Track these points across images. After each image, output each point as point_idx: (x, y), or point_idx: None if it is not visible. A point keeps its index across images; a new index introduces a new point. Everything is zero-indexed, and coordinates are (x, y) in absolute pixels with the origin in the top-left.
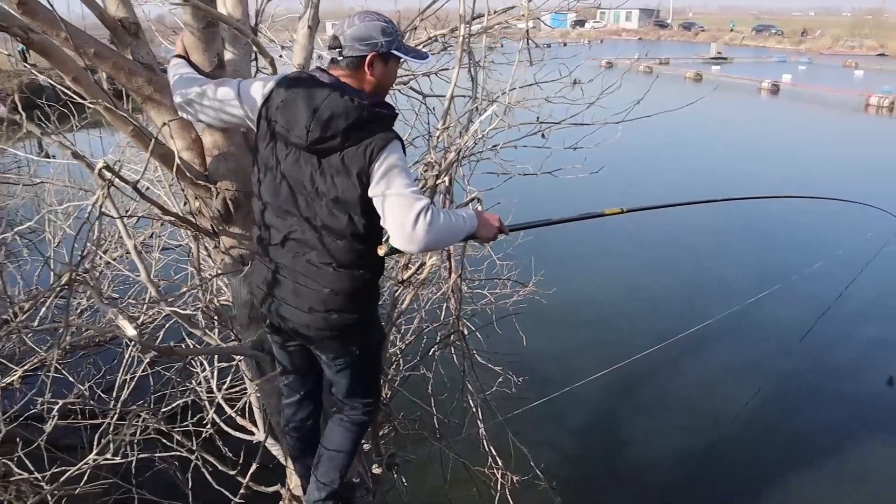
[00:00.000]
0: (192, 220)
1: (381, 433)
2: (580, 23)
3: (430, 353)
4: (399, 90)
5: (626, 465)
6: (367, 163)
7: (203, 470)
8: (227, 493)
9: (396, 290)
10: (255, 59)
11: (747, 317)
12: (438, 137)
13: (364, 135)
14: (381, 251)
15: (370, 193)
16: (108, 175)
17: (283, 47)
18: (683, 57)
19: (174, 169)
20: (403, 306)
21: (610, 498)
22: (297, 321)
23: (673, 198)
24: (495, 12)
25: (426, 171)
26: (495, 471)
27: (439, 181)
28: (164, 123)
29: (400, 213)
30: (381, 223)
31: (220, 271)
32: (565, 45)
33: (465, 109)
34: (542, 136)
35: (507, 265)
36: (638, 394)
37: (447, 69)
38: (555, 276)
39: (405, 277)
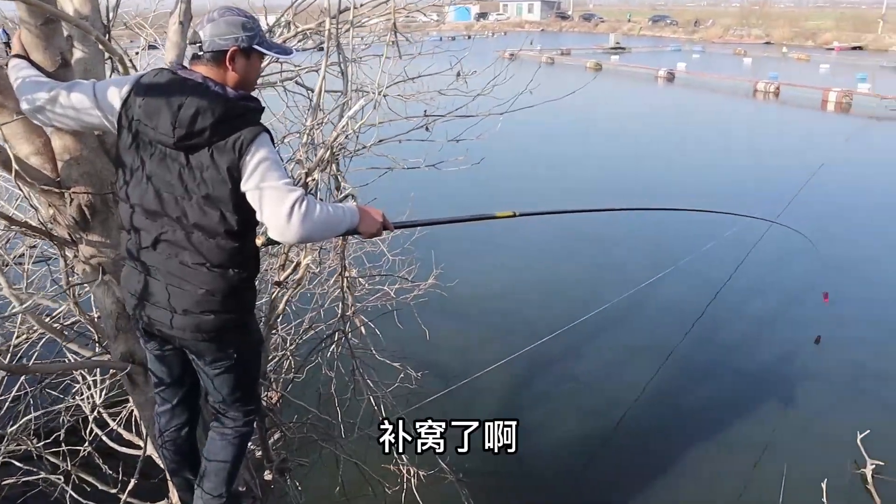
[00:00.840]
0: (46, 228)
1: (270, 439)
2: (483, 15)
3: (326, 353)
4: (285, 86)
5: (530, 450)
6: (237, 157)
7: (85, 488)
8: None
9: (273, 293)
10: (111, 58)
11: (644, 300)
12: (308, 134)
13: (231, 129)
14: (259, 242)
15: (243, 188)
16: None
17: (151, 46)
18: (584, 47)
19: (13, 175)
20: (280, 308)
21: (515, 484)
22: (172, 324)
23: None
24: (361, 5)
25: (299, 168)
26: (400, 467)
27: (309, 178)
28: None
29: (274, 205)
30: (257, 217)
31: (81, 281)
32: (469, 37)
33: (336, 105)
34: (427, 129)
35: (406, 260)
36: (541, 380)
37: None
38: (455, 269)
39: (281, 279)
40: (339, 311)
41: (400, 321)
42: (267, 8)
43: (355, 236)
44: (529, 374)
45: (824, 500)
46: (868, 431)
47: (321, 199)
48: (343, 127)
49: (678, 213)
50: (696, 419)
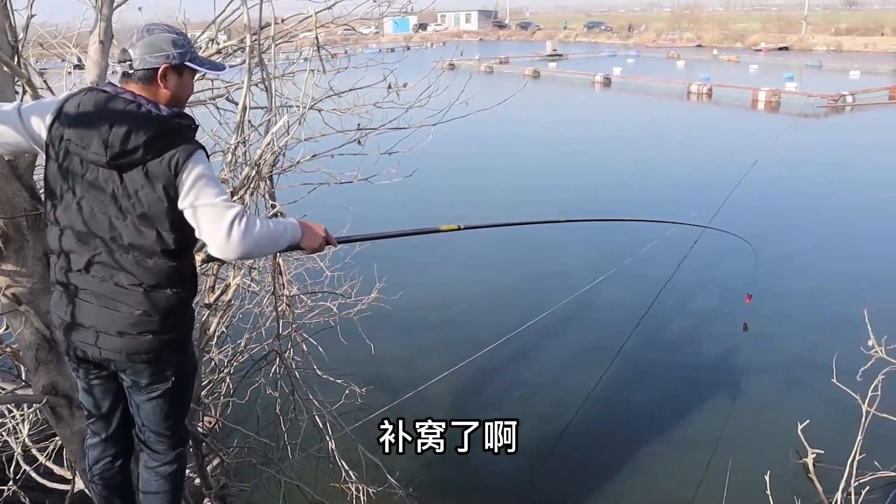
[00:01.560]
0: None
1: (209, 465)
2: (422, 26)
3: (267, 374)
4: (216, 103)
5: (480, 458)
6: (173, 175)
7: None
8: None
9: (204, 316)
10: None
11: (587, 303)
12: (233, 153)
13: (166, 147)
14: (199, 258)
15: (180, 206)
16: None
17: (76, 66)
18: (522, 55)
19: None
20: (211, 331)
21: (467, 494)
22: (106, 347)
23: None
24: (283, 21)
25: (226, 188)
26: (349, 485)
27: (235, 197)
28: None
29: (213, 222)
30: (196, 234)
31: None
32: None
33: (261, 121)
34: (359, 142)
35: (349, 275)
36: (489, 387)
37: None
38: (399, 282)
39: (211, 301)
40: (276, 331)
41: (344, 337)
42: (188, 24)
43: (297, 252)
44: (478, 382)
45: (768, 492)
46: (808, 422)
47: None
48: (268, 144)
49: (619, 212)
50: (643, 418)
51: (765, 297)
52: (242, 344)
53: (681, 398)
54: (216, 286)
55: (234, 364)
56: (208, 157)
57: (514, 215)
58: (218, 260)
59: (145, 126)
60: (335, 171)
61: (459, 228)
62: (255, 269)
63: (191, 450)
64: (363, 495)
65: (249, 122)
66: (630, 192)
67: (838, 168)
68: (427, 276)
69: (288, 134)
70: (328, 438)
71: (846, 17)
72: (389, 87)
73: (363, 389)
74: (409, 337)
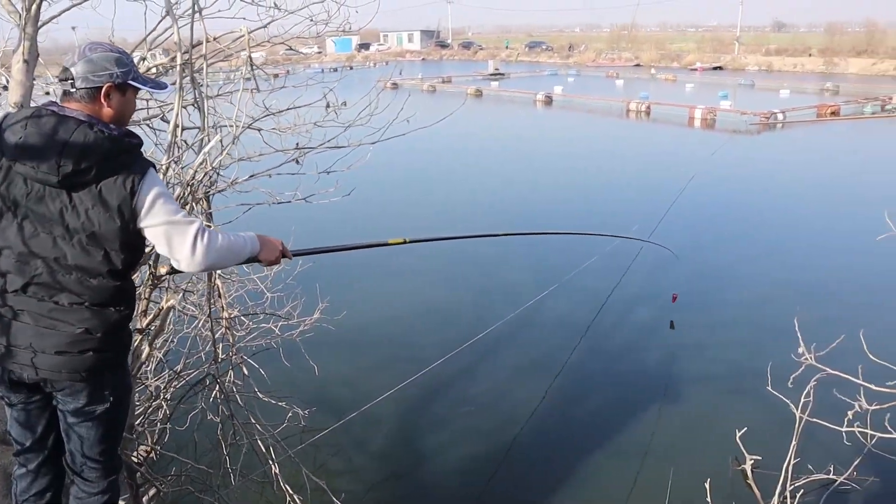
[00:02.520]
0: None
1: (144, 496)
2: (365, 46)
3: (206, 399)
4: (151, 123)
5: (428, 477)
6: (129, 195)
7: None
8: None
9: (136, 341)
10: None
11: (532, 318)
12: (164, 173)
13: (119, 166)
14: (163, 270)
15: (140, 224)
16: None
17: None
18: (465, 74)
19: None
20: (144, 356)
21: None
22: (44, 367)
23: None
24: (215, 38)
25: None
26: None
27: None
28: None
29: (176, 240)
30: (160, 251)
31: None
32: (351, 68)
33: (195, 140)
34: (297, 162)
35: (291, 295)
36: (436, 404)
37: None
38: (342, 301)
39: (144, 326)
40: (213, 355)
41: (287, 359)
42: (118, 43)
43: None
44: (424, 399)
45: (708, 499)
46: (746, 428)
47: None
48: (201, 163)
49: (560, 225)
50: (587, 430)
51: (702, 307)
52: (180, 369)
53: (623, 409)
54: (148, 310)
55: (171, 390)
56: (158, 173)
57: (457, 231)
58: (180, 272)
59: (98, 146)
60: (275, 190)
61: (406, 242)
62: (191, 292)
63: (125, 480)
64: None
65: (185, 141)
66: (573, 208)
67: (771, 182)
68: (371, 295)
69: (222, 153)
70: (271, 463)
71: (776, 39)
72: (328, 105)
73: (306, 411)
74: (353, 356)
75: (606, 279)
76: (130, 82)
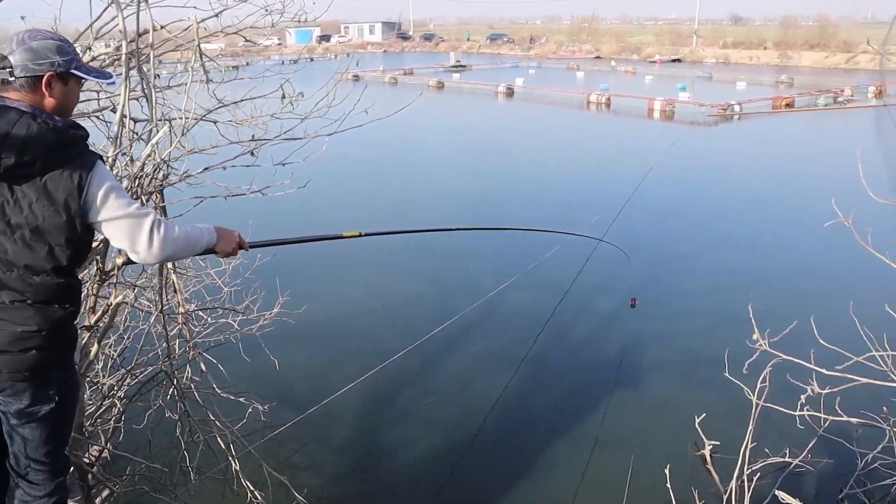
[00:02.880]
0: None
1: (98, 498)
2: (325, 38)
3: (164, 397)
4: (102, 115)
5: (391, 470)
6: (77, 189)
7: None
8: None
9: (84, 338)
10: None
11: (493, 309)
12: (111, 166)
13: (64, 159)
14: (119, 261)
15: (92, 219)
16: None
17: None
18: (426, 66)
19: None
20: (92, 354)
21: None
22: None
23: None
24: (162, 27)
25: None
26: None
27: None
28: None
29: (131, 233)
30: (115, 244)
31: None
32: (312, 60)
33: (143, 132)
34: (252, 154)
35: (251, 289)
36: (398, 396)
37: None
38: (302, 294)
39: (92, 322)
40: (167, 352)
41: (246, 354)
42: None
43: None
44: (386, 391)
45: (668, 485)
46: (704, 415)
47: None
48: (149, 156)
49: (520, 219)
50: (549, 420)
51: (660, 297)
52: (133, 366)
53: (584, 399)
54: (97, 307)
55: (125, 388)
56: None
57: (416, 223)
58: (135, 262)
59: (41, 138)
60: (231, 183)
61: (361, 235)
62: (145, 288)
63: (75, 481)
64: None
65: (136, 133)
66: (534, 199)
67: (728, 173)
68: (331, 288)
69: (172, 145)
70: (231, 460)
71: (732, 32)
72: (283, 96)
73: (266, 406)
74: (314, 349)
75: (567, 270)
76: (73, 71)
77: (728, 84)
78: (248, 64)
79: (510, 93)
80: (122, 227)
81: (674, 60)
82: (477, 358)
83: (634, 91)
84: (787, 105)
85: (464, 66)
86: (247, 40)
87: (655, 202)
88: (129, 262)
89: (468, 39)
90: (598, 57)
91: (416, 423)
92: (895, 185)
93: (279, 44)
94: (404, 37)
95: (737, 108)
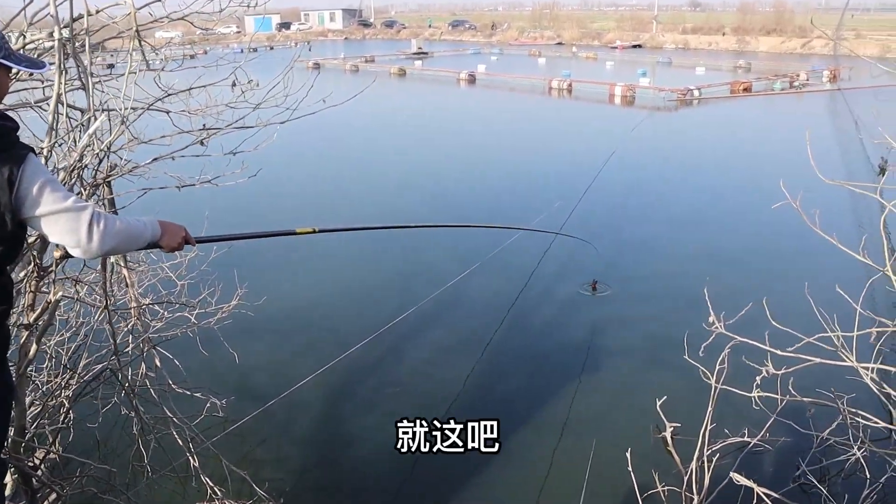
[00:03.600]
0: None
1: (44, 502)
2: (285, 25)
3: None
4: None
5: (354, 461)
6: (7, 184)
7: None
8: None
9: (23, 337)
10: None
11: (454, 298)
12: (46, 157)
13: None
14: (57, 255)
15: (27, 216)
16: None
17: None
18: (388, 54)
19: None
20: (31, 353)
21: (341, 500)
22: None
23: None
24: (98, 11)
25: None
26: (216, 502)
27: None
28: None
29: (70, 228)
30: (52, 240)
31: None
32: (272, 48)
33: (81, 121)
34: (202, 143)
35: (206, 283)
36: (360, 386)
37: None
38: (261, 287)
39: (31, 321)
40: (113, 348)
41: (205, 348)
42: None
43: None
44: (348, 382)
45: (629, 468)
46: (665, 397)
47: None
48: (87, 147)
49: (482, 208)
50: (512, 406)
51: (621, 280)
52: (84, 364)
53: (546, 384)
54: (36, 304)
55: (73, 387)
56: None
57: (375, 214)
58: (73, 256)
59: None
60: (184, 174)
61: (315, 231)
62: (94, 284)
63: (19, 486)
64: None
65: (83, 124)
66: (496, 186)
67: (687, 157)
68: (290, 279)
69: (113, 135)
70: (190, 456)
71: (692, 17)
72: (234, 84)
73: (225, 401)
74: (274, 342)
75: (529, 258)
76: (2, 61)
77: (687, 69)
78: (205, 52)
79: (472, 80)
80: (59, 222)
81: (634, 46)
82: (439, 347)
83: (596, 77)
84: (745, 90)
85: (426, 54)
86: (196, 27)
87: (616, 187)
88: (67, 255)
89: (430, 26)
90: (559, 43)
91: (378, 414)
92: (848, 167)
93: (238, 32)
94: (365, 24)
95: (696, 93)
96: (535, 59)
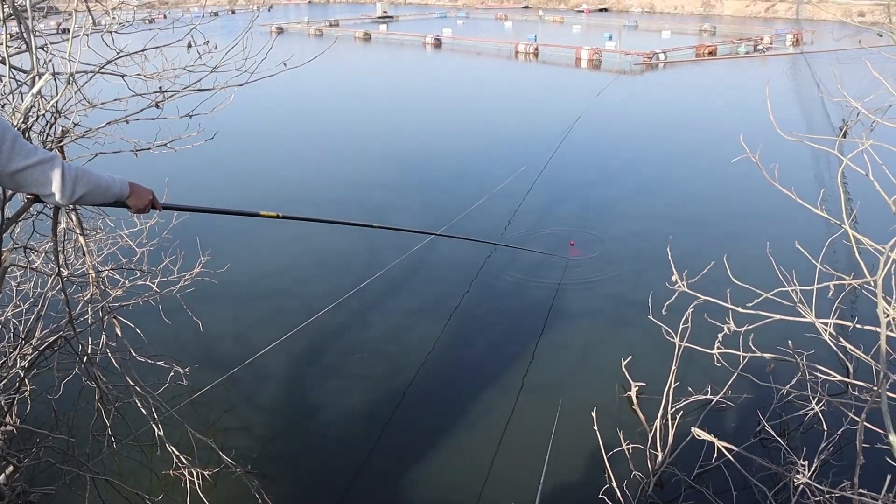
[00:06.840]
0: None
1: (1, 474)
2: None
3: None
4: None
5: (321, 427)
6: None
7: None
8: None
9: None
10: None
11: (421, 262)
12: None
13: None
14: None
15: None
16: None
17: None
18: (352, 17)
19: None
20: None
21: (307, 466)
22: None
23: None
24: None
25: None
26: (182, 471)
27: None
28: None
29: (46, 178)
30: (28, 191)
31: None
32: (233, 12)
33: (25, 80)
34: (157, 106)
35: (169, 249)
36: (326, 353)
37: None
38: (225, 254)
39: None
40: (67, 316)
41: (168, 316)
42: None
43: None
44: (313, 348)
45: (595, 427)
46: (630, 357)
47: None
48: (30, 108)
49: (449, 173)
50: (479, 369)
51: (588, 244)
52: (37, 336)
53: (513, 347)
54: None
55: (29, 358)
56: None
57: (339, 185)
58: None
59: None
60: (140, 139)
61: (279, 217)
62: (38, 251)
63: None
64: (199, 479)
65: (27, 84)
66: (462, 152)
67: (653, 119)
68: (255, 246)
69: (59, 95)
70: (154, 425)
71: None
72: (190, 45)
73: (188, 369)
74: (238, 309)
75: (495, 222)
76: None
77: (653, 33)
78: (164, 17)
79: (438, 44)
80: (34, 174)
81: (601, 10)
82: (405, 312)
83: (562, 41)
84: (710, 53)
85: (391, 17)
86: None
87: (582, 151)
88: (37, 200)
89: None
90: (526, 7)
91: (344, 380)
92: (810, 128)
93: None
94: None
95: (662, 56)
96: (501, 22)
